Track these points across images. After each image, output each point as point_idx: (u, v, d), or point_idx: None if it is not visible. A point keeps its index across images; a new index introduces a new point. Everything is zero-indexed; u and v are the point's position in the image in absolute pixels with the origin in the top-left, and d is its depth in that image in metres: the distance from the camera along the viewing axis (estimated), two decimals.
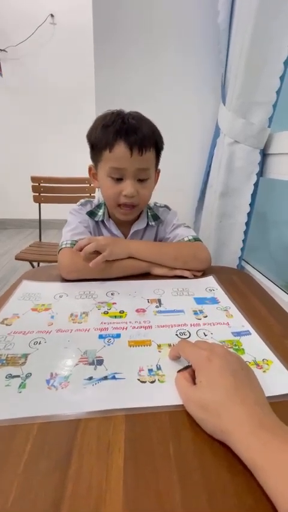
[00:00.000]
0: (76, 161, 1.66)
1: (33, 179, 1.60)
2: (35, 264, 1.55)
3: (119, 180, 0.58)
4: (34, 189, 1.60)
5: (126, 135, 0.54)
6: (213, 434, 0.26)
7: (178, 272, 0.61)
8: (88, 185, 1.60)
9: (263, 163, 0.88)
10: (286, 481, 0.21)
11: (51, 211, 1.72)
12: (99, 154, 0.59)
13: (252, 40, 0.74)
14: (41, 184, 1.61)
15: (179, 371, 0.33)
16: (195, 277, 0.61)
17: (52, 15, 2.47)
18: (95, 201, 0.71)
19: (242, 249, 0.97)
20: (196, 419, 0.27)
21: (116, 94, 0.97)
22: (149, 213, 0.71)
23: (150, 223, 0.70)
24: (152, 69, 0.96)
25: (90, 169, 0.66)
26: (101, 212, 0.68)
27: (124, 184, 0.58)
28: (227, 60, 0.86)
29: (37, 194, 1.61)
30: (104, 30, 0.92)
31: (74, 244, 0.60)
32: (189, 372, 0.31)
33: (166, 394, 0.31)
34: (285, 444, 0.22)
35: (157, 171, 0.67)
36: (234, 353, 0.32)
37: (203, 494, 0.22)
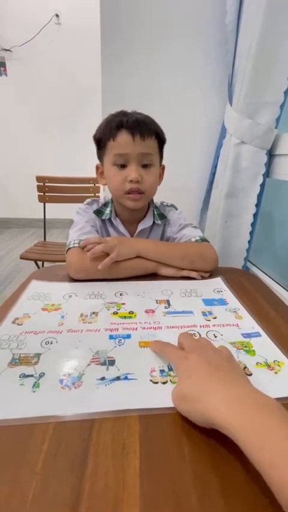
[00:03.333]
0: (81, 161, 1.67)
1: (38, 179, 1.61)
2: (40, 263, 1.55)
3: (124, 167, 0.60)
4: (39, 188, 1.61)
5: (128, 124, 0.57)
6: (202, 423, 0.26)
7: (185, 273, 0.61)
8: (93, 185, 1.61)
9: (269, 164, 0.87)
10: (263, 449, 0.21)
11: (55, 210, 1.73)
12: (104, 147, 0.61)
13: (260, 40, 0.74)
14: (45, 184, 1.61)
15: None
16: (203, 278, 0.61)
17: (57, 15, 2.47)
18: (101, 200, 0.72)
19: (248, 250, 0.96)
20: (184, 414, 0.28)
21: (123, 93, 0.97)
22: (155, 212, 0.71)
23: (156, 221, 0.70)
24: (159, 69, 0.96)
25: (97, 168, 0.68)
26: (107, 210, 0.69)
27: (128, 169, 0.59)
28: (234, 61, 0.85)
29: (42, 194, 1.62)
30: (111, 30, 0.92)
31: None
32: None
33: None
34: (259, 412, 0.23)
35: (161, 167, 0.68)
36: (216, 349, 0.33)
37: (218, 495, 0.22)
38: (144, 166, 0.61)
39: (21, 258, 1.46)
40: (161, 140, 0.64)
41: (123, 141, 0.58)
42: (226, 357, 0.31)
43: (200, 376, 0.28)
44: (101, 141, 0.62)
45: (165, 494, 0.22)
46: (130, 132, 0.57)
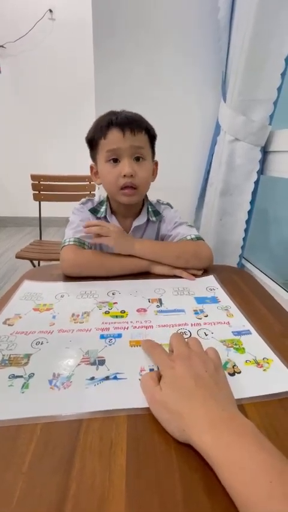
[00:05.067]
0: (76, 159, 1.65)
1: (33, 177, 1.60)
2: (36, 262, 1.55)
3: (117, 162, 0.60)
4: (34, 187, 1.60)
5: (117, 121, 0.58)
6: (177, 436, 0.26)
7: (177, 272, 0.61)
8: (88, 183, 1.60)
9: (263, 161, 0.87)
10: (236, 475, 0.21)
11: (51, 209, 1.71)
12: (96, 146, 0.62)
13: (253, 37, 0.73)
14: (40, 183, 1.60)
15: None
16: (196, 276, 0.61)
17: (51, 11, 2.44)
18: (96, 199, 0.72)
19: (243, 247, 0.97)
20: (160, 420, 0.27)
21: (116, 91, 0.96)
22: (150, 209, 0.71)
23: (151, 218, 0.70)
24: (152, 66, 0.95)
25: (91, 168, 0.69)
26: (103, 208, 0.69)
27: (121, 164, 0.60)
28: (227, 58, 0.85)
29: (37, 192, 1.61)
30: (104, 26, 0.91)
31: (77, 242, 0.62)
32: (156, 373, 0.32)
33: None
34: (237, 436, 0.23)
35: (155, 162, 0.69)
36: (204, 357, 0.32)
37: (204, 493, 0.23)
38: (137, 159, 0.61)
39: (16, 257, 1.45)
40: (151, 136, 0.64)
41: (114, 137, 0.58)
42: (213, 368, 0.31)
43: (184, 390, 0.28)
44: (93, 140, 0.62)
45: (151, 493, 0.23)
46: (120, 129, 0.58)
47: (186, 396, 0.27)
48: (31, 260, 1.51)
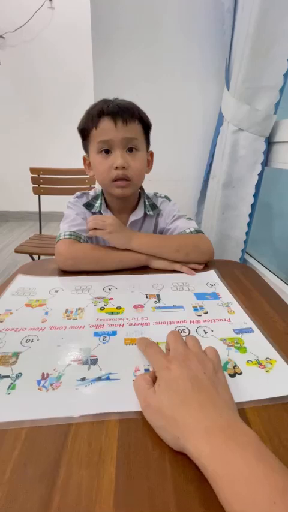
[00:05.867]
0: (76, 152, 1.62)
1: (32, 170, 1.57)
2: (36, 257, 1.53)
3: (109, 153, 0.58)
4: (33, 180, 1.58)
5: (108, 110, 0.55)
6: (172, 444, 0.24)
7: (177, 267, 0.58)
8: (88, 176, 1.57)
9: (268, 152, 0.84)
10: (233, 491, 0.19)
11: (52, 203, 1.68)
12: (88, 137, 0.60)
13: (259, 20, 0.69)
14: (40, 176, 1.58)
15: None
16: (196, 271, 0.59)
17: None
18: (91, 193, 0.70)
19: (245, 242, 0.94)
20: (153, 427, 0.25)
21: (115, 79, 0.93)
22: (147, 202, 0.69)
23: (148, 212, 0.68)
24: (152, 52, 0.92)
25: (84, 159, 0.67)
26: (98, 203, 0.67)
27: (113, 156, 0.58)
28: (231, 43, 0.81)
29: (36, 186, 1.59)
30: (103, 13, 0.87)
31: (73, 235, 0.59)
32: (151, 374, 0.29)
33: None
34: (236, 447, 0.20)
35: (150, 153, 0.66)
36: (202, 358, 0.30)
37: (200, 507, 0.21)
38: (130, 150, 0.59)
39: (16, 251, 1.44)
40: (146, 125, 0.61)
41: (105, 127, 0.56)
42: (212, 369, 0.29)
43: (179, 394, 0.25)
44: (85, 131, 0.60)
45: (143, 506, 0.21)
46: (112, 118, 0.55)
47: (182, 401, 0.25)
48: (31, 254, 1.49)
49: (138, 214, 0.67)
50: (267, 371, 0.33)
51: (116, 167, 0.57)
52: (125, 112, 0.56)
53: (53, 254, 0.59)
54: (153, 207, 0.69)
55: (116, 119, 0.55)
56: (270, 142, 0.83)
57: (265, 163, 0.84)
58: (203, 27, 0.89)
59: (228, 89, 0.84)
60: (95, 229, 0.57)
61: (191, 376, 0.27)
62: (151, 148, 0.66)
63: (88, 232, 0.59)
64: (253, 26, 0.70)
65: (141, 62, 0.92)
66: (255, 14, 0.69)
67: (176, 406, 0.24)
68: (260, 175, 0.85)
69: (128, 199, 0.65)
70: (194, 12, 0.88)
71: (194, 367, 0.28)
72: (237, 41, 0.78)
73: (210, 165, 0.99)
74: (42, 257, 1.51)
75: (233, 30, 0.80)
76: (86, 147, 0.63)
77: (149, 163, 0.66)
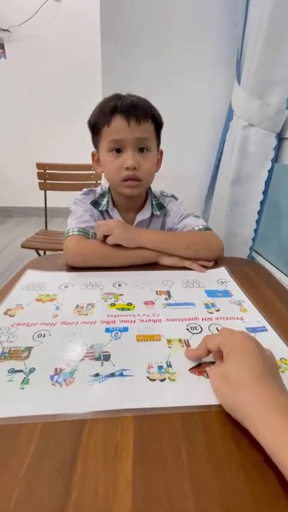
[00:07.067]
0: (83, 147, 1.61)
1: (38, 166, 1.57)
2: (41, 252, 1.54)
3: (120, 152, 0.57)
4: (39, 176, 1.58)
5: (122, 108, 0.54)
6: (231, 411, 0.26)
7: (187, 264, 0.58)
8: (94, 172, 1.56)
9: (278, 148, 0.82)
10: None
11: (58, 199, 1.68)
12: (99, 133, 0.58)
13: (272, 11, 0.67)
14: (46, 171, 1.57)
15: (190, 369, 0.31)
16: (206, 268, 0.58)
17: None
18: (98, 190, 0.69)
19: (254, 239, 0.93)
20: (216, 395, 0.28)
21: (123, 73, 0.92)
22: (154, 202, 0.68)
23: (155, 212, 0.67)
24: (161, 46, 0.90)
25: (93, 155, 0.65)
26: (104, 201, 0.66)
27: (124, 156, 0.57)
28: (243, 35, 0.79)
29: (42, 181, 1.59)
30: (111, 5, 0.86)
31: (81, 232, 0.59)
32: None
33: (177, 393, 0.29)
34: None
35: (159, 152, 0.65)
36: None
37: (219, 504, 0.21)
38: (141, 150, 0.58)
39: (22, 246, 1.44)
40: (157, 124, 0.60)
41: (118, 126, 0.55)
42: (274, 363, 0.30)
43: (253, 367, 0.26)
44: (96, 127, 0.59)
45: (160, 503, 0.21)
46: (125, 117, 0.54)
47: (252, 373, 0.26)
48: (36, 250, 1.50)
49: (145, 213, 0.66)
50: (282, 372, 0.32)
51: (127, 167, 0.56)
52: (138, 110, 0.54)
53: (59, 249, 0.59)
54: (160, 206, 0.68)
55: (130, 118, 0.54)
56: (281, 138, 0.82)
57: (275, 159, 0.83)
58: (214, 19, 0.87)
59: (239, 83, 0.82)
60: (104, 237, 0.56)
61: (263, 356, 0.28)
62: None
63: (97, 239, 0.58)
64: (266, 16, 0.68)
65: (150, 55, 0.91)
66: (268, 5, 0.67)
67: (243, 376, 0.26)
68: (270, 171, 0.83)
69: (135, 198, 0.65)
70: (205, 5, 0.86)
71: (264, 354, 0.29)
72: (249, 33, 0.76)
73: (219, 160, 0.98)
74: (48, 252, 1.51)
75: (245, 21, 0.78)
76: (95, 143, 0.62)
77: (158, 162, 0.65)
